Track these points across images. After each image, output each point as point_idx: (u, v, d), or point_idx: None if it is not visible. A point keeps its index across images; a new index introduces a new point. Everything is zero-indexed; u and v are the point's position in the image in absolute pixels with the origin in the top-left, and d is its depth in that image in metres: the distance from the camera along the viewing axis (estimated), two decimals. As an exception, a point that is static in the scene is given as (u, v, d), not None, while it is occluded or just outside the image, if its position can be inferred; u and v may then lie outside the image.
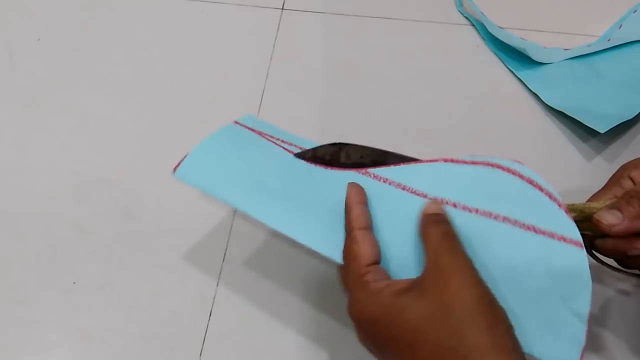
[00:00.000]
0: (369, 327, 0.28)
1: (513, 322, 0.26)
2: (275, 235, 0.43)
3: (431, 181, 0.33)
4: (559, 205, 0.30)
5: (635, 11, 0.54)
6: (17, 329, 0.40)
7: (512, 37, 0.52)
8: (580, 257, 0.29)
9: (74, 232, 0.44)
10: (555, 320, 0.28)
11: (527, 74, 0.51)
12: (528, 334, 0.28)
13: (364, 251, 0.30)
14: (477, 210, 0.31)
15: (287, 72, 0.52)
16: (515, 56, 0.52)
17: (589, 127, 0.45)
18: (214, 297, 0.41)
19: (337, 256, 0.31)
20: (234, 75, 0.52)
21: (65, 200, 0.45)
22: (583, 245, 0.29)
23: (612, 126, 0.44)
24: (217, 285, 0.41)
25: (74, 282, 0.42)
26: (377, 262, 0.30)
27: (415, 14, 0.56)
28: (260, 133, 0.40)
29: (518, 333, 0.26)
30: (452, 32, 0.55)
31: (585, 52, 0.51)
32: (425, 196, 0.32)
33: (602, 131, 0.44)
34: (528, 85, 0.50)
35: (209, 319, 0.40)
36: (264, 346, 0.39)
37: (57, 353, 0.39)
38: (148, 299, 0.41)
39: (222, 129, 0.38)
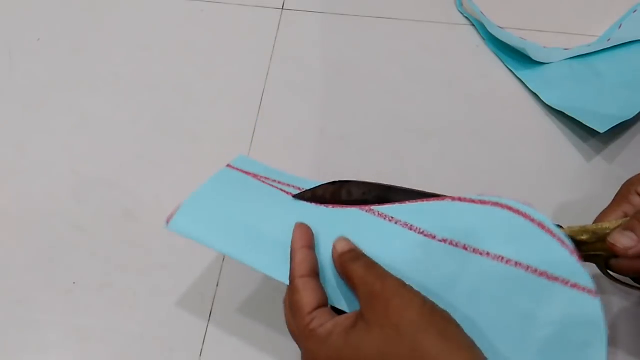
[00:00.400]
0: None
1: None
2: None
3: (439, 221, 0.32)
4: (571, 252, 0.29)
5: (635, 11, 0.54)
6: (17, 329, 0.40)
7: (512, 37, 0.52)
8: (594, 305, 0.28)
9: (73, 232, 0.44)
10: None
11: (526, 74, 0.51)
12: None
13: (305, 300, 0.29)
14: (488, 254, 0.30)
15: (287, 72, 0.52)
16: (515, 56, 0.52)
17: (589, 127, 0.45)
18: (214, 297, 0.41)
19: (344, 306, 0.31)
20: (234, 75, 0.52)
21: (65, 201, 0.45)
22: (596, 292, 0.28)
23: (612, 126, 0.44)
24: (217, 285, 0.41)
25: (74, 282, 0.42)
26: (320, 306, 0.29)
27: (415, 14, 0.56)
28: (255, 176, 0.39)
29: None
30: (452, 32, 0.55)
31: (585, 52, 0.51)
32: (434, 237, 0.31)
33: (601, 131, 0.44)
34: (528, 85, 0.50)
35: (209, 319, 0.40)
36: (264, 346, 0.39)
37: (57, 353, 0.39)
38: (148, 299, 0.41)
39: (215, 175, 0.37)
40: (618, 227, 0.32)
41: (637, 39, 0.51)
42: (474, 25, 0.55)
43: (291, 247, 0.31)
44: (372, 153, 0.47)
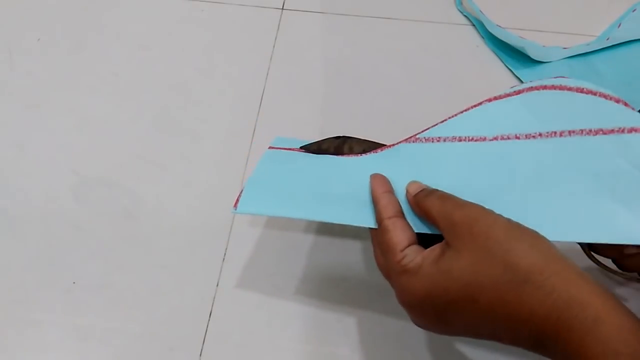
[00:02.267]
0: (425, 305, 0.28)
1: (618, 226, 0.27)
2: (275, 235, 0.43)
3: (484, 123, 0.32)
4: (617, 101, 0.29)
5: (634, 10, 0.54)
6: (17, 329, 0.40)
7: (511, 36, 0.52)
8: None
9: (74, 232, 0.44)
10: None
11: (525, 73, 0.51)
12: (636, 227, 0.28)
13: (396, 239, 0.30)
14: (540, 135, 0.30)
15: (287, 72, 0.52)
16: (514, 55, 0.52)
17: None
18: (214, 297, 0.41)
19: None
20: (234, 75, 0.52)
21: (65, 200, 0.45)
22: None
23: None
24: (217, 285, 0.41)
25: (73, 282, 0.42)
26: (411, 244, 0.30)
27: (415, 14, 0.56)
28: (294, 149, 0.40)
29: (626, 231, 0.27)
30: (452, 32, 0.55)
31: (584, 51, 0.51)
32: (484, 139, 0.32)
33: None
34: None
35: (209, 319, 0.40)
36: (264, 346, 0.39)
37: (57, 353, 0.39)
38: (148, 299, 0.41)
39: (262, 158, 0.38)
40: None
41: (636, 38, 0.51)
42: (473, 25, 0.55)
43: (373, 195, 0.33)
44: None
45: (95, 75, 0.53)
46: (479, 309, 0.26)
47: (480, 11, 0.54)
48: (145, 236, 0.43)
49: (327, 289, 0.41)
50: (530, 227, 0.28)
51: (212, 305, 0.41)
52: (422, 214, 0.31)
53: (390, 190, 0.33)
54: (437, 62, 0.52)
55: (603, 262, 0.35)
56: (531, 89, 0.31)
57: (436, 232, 0.30)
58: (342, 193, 0.34)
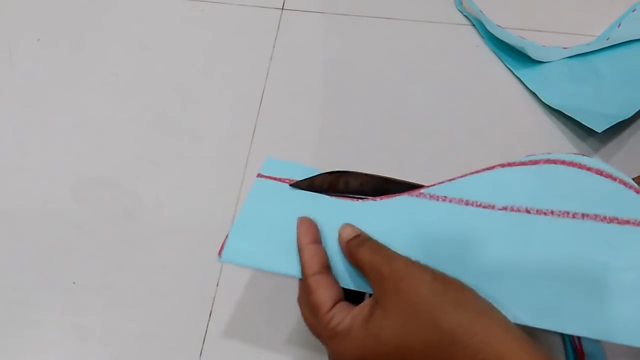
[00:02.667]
0: None
1: (623, 325, 0.26)
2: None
3: (494, 190, 0.31)
4: (637, 192, 0.28)
5: (634, 10, 0.54)
6: (17, 329, 0.40)
7: (511, 36, 0.52)
8: None
9: (73, 232, 0.44)
10: None
11: (525, 73, 0.51)
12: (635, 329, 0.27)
13: (322, 299, 0.29)
14: (552, 212, 0.29)
15: (287, 72, 0.52)
16: (514, 55, 0.52)
17: (587, 127, 0.45)
18: (214, 297, 0.41)
19: None
20: (233, 75, 0.52)
21: (65, 200, 0.45)
22: None
23: (609, 125, 0.44)
24: (217, 285, 0.41)
25: (73, 282, 0.42)
26: (336, 302, 0.29)
27: (415, 14, 0.56)
28: (285, 180, 0.37)
29: (634, 331, 0.26)
30: (452, 32, 0.55)
31: (584, 51, 0.51)
32: (493, 207, 0.30)
33: (599, 130, 0.44)
34: (526, 84, 0.50)
35: (209, 319, 0.40)
36: (264, 346, 0.39)
37: (57, 353, 0.39)
38: (148, 299, 0.41)
39: (251, 191, 0.36)
40: None
41: (636, 38, 0.51)
42: (473, 25, 0.55)
43: (298, 244, 0.31)
44: (371, 153, 0.47)
45: (95, 75, 0.53)
46: None
47: (480, 11, 0.54)
48: (145, 236, 0.43)
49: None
50: (529, 309, 0.27)
51: (212, 305, 0.41)
52: (354, 262, 0.30)
53: (317, 241, 0.31)
54: (437, 62, 0.52)
55: None
56: (549, 161, 0.30)
57: (366, 286, 0.29)
58: (331, 244, 0.32)
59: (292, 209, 0.33)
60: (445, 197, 0.32)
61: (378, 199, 0.33)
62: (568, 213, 0.29)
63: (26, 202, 0.45)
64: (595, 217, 0.29)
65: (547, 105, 0.49)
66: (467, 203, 0.31)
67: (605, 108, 0.47)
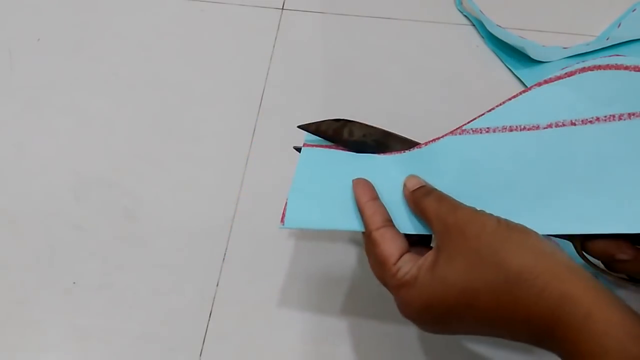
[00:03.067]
0: (426, 314, 0.28)
1: None
2: (275, 234, 0.43)
3: (536, 110, 0.30)
4: None
5: (634, 10, 0.54)
6: (17, 329, 0.40)
7: (511, 36, 0.52)
8: None
9: (73, 232, 0.44)
10: None
11: (525, 73, 0.51)
12: None
13: (387, 252, 0.30)
14: (597, 119, 0.29)
15: (287, 72, 0.52)
16: (514, 55, 0.52)
17: None
18: (214, 297, 0.41)
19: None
20: (233, 75, 0.52)
21: (65, 200, 0.45)
22: None
23: None
24: (217, 285, 0.41)
25: (73, 282, 0.42)
26: (402, 253, 0.30)
27: (415, 14, 0.56)
28: (331, 147, 0.38)
29: None
30: (452, 32, 0.55)
31: (584, 51, 0.51)
32: (538, 127, 0.30)
33: None
34: (526, 84, 0.50)
35: (209, 319, 0.40)
36: (264, 346, 0.39)
37: (57, 353, 0.39)
38: (148, 299, 0.41)
39: (301, 158, 0.36)
40: None
41: (636, 38, 0.51)
42: (473, 25, 0.55)
43: (357, 204, 0.32)
44: (372, 153, 0.47)
45: (95, 75, 0.53)
46: (477, 314, 0.27)
47: (480, 11, 0.54)
48: (145, 236, 0.43)
49: (327, 289, 0.41)
50: (591, 218, 0.27)
51: (212, 305, 0.41)
52: (418, 212, 0.31)
53: (375, 197, 0.32)
54: (437, 62, 0.52)
55: (593, 262, 0.35)
56: (584, 69, 0.30)
57: (429, 232, 0.30)
58: (390, 198, 0.33)
59: (344, 171, 0.34)
60: (488, 128, 0.32)
61: (423, 145, 0.34)
62: (614, 116, 0.28)
63: (26, 202, 0.45)
64: None
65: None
66: (511, 129, 0.31)
67: None
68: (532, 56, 0.50)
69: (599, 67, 0.29)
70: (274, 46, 0.54)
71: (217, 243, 0.43)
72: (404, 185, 0.32)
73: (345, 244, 0.43)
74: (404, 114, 0.49)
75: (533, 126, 0.30)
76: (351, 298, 0.40)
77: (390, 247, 0.30)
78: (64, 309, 0.41)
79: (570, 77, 0.30)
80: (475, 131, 0.32)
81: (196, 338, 0.39)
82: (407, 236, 0.31)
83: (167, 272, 0.42)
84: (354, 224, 0.32)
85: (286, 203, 0.34)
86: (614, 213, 0.28)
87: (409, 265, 0.29)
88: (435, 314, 0.28)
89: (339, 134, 0.36)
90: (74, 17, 0.57)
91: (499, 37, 0.52)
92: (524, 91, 0.31)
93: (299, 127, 0.37)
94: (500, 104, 0.32)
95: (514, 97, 0.32)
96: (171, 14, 0.57)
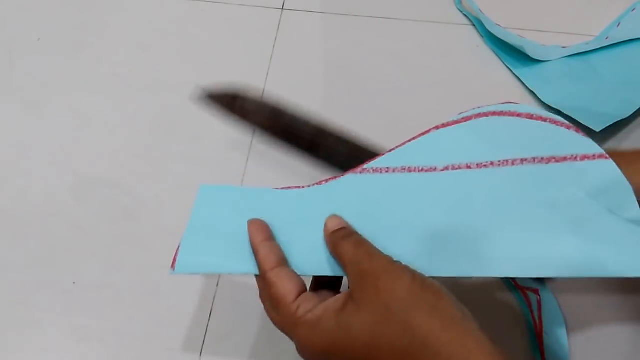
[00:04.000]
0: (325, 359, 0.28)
1: (576, 260, 0.27)
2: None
3: (434, 152, 0.31)
4: (568, 128, 0.29)
5: (633, 9, 0.54)
6: (17, 329, 0.40)
7: (510, 35, 0.52)
8: (610, 167, 0.28)
9: (73, 232, 0.44)
10: (613, 236, 0.28)
11: (524, 72, 0.51)
12: (593, 260, 0.27)
13: (284, 290, 0.28)
14: (492, 163, 0.30)
15: (287, 72, 0.52)
16: (513, 54, 0.52)
17: (585, 125, 0.45)
18: (214, 297, 0.41)
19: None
20: (234, 75, 0.52)
21: (65, 200, 0.45)
22: (608, 155, 0.28)
23: (607, 125, 0.44)
24: (217, 285, 0.41)
25: (73, 282, 0.42)
26: (300, 292, 0.29)
27: (415, 14, 0.56)
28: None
29: (584, 264, 0.27)
30: (452, 32, 0.55)
31: (583, 50, 0.51)
32: (435, 169, 0.31)
33: (597, 130, 0.44)
34: (525, 83, 0.50)
35: (209, 319, 0.40)
36: (264, 346, 0.39)
37: (56, 353, 0.39)
38: (148, 299, 0.41)
39: (197, 198, 0.35)
40: None
41: (635, 37, 0.51)
42: (473, 25, 0.55)
43: (252, 244, 0.31)
44: (372, 153, 0.47)
45: (95, 75, 0.53)
46: None
47: (480, 10, 0.54)
48: (145, 236, 0.43)
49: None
50: (484, 261, 0.27)
51: (212, 305, 0.41)
52: (335, 254, 0.30)
53: (270, 238, 0.31)
54: (437, 62, 0.52)
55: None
56: (479, 115, 0.31)
57: (339, 274, 0.30)
58: (284, 235, 0.32)
59: (242, 209, 0.33)
60: (388, 168, 0.32)
61: (324, 182, 0.34)
62: (507, 161, 0.30)
63: (26, 202, 0.45)
64: (534, 160, 0.29)
65: (546, 105, 0.49)
66: (409, 170, 0.32)
67: (603, 107, 0.47)
68: (531, 55, 0.51)
69: (493, 114, 0.31)
70: (274, 46, 0.54)
71: (217, 243, 0.43)
72: (325, 225, 0.31)
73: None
74: (404, 114, 0.49)
75: (430, 168, 0.31)
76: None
77: (287, 285, 0.28)
78: (64, 309, 0.41)
79: (467, 122, 0.31)
80: (375, 170, 0.32)
81: (196, 338, 0.39)
82: (317, 278, 0.31)
83: (167, 272, 0.42)
84: (249, 267, 0.31)
85: (178, 247, 0.32)
86: (507, 257, 0.28)
87: (310, 304, 0.28)
88: None
89: (232, 107, 0.36)
90: (74, 17, 0.57)
91: (499, 36, 0.52)
92: (423, 133, 0.32)
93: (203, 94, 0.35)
94: (401, 145, 0.33)
95: (414, 138, 0.33)
96: (171, 14, 0.57)
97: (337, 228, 0.30)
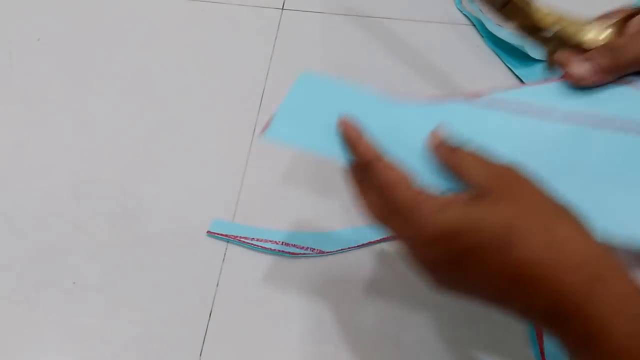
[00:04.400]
0: (443, 242, 0.25)
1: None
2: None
3: (557, 97, 0.32)
4: None
5: None
6: (17, 329, 0.40)
7: (511, 35, 0.52)
8: None
9: (74, 232, 0.44)
10: None
11: (525, 72, 0.51)
12: None
13: (402, 174, 0.27)
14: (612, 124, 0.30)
15: (287, 72, 0.52)
16: (514, 54, 0.52)
17: None
18: (214, 297, 0.41)
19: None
20: (234, 75, 0.52)
21: (65, 200, 0.45)
22: None
23: None
24: (217, 285, 0.41)
25: (73, 282, 0.42)
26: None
27: (415, 14, 0.56)
28: (235, 237, 0.41)
29: None
30: (452, 32, 0.55)
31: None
32: (555, 115, 0.31)
33: None
34: (525, 83, 0.50)
35: (209, 319, 0.40)
36: (264, 346, 0.39)
37: (57, 353, 0.39)
38: (148, 299, 0.41)
39: (297, 81, 0.35)
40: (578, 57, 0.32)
41: None
42: (473, 25, 0.55)
43: (349, 136, 0.29)
44: (372, 153, 0.47)
45: (95, 75, 0.53)
46: (507, 260, 0.24)
47: (480, 10, 0.54)
48: (145, 236, 0.43)
49: (327, 289, 0.41)
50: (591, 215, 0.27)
51: (212, 305, 0.41)
52: (448, 162, 0.28)
53: (364, 132, 0.30)
54: (437, 62, 0.52)
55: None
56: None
57: (452, 185, 0.28)
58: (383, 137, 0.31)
59: (337, 105, 0.32)
60: (509, 103, 0.32)
61: (434, 100, 0.32)
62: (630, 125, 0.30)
63: (26, 202, 0.45)
64: None
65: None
66: (524, 111, 0.31)
67: None
68: (531, 55, 0.51)
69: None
70: (274, 46, 0.54)
71: (217, 243, 0.43)
72: (432, 134, 0.29)
73: (345, 244, 0.43)
74: (404, 114, 0.49)
75: (548, 112, 0.31)
76: (350, 298, 0.40)
77: (402, 171, 0.27)
78: (63, 309, 0.41)
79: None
80: (491, 103, 0.32)
81: (196, 338, 0.39)
82: None
83: (167, 272, 0.42)
84: (340, 153, 0.30)
85: (272, 116, 0.32)
86: (610, 216, 0.28)
87: (430, 193, 0.26)
88: (457, 244, 0.25)
89: None
90: (74, 17, 0.57)
91: (499, 36, 0.52)
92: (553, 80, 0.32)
93: None
94: (531, 84, 0.33)
95: (549, 81, 0.32)
96: (171, 14, 0.57)
97: (446, 138, 0.29)
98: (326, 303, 0.40)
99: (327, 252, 0.42)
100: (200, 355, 0.39)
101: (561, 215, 0.25)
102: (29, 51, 0.55)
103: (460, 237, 0.25)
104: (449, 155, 0.28)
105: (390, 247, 0.42)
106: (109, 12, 0.57)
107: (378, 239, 0.41)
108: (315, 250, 0.41)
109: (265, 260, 0.42)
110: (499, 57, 0.52)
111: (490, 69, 0.52)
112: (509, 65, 0.52)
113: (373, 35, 0.54)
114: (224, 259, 0.42)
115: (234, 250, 0.43)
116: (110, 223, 0.44)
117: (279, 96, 0.50)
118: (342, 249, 0.42)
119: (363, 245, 0.42)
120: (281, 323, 0.40)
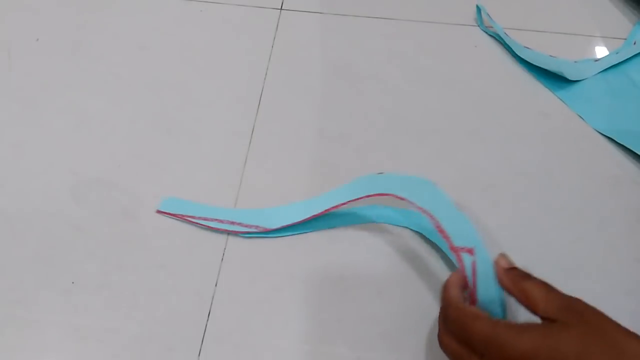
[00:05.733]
0: None
1: None
2: (275, 235, 0.43)
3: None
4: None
5: None
6: (16, 329, 0.40)
7: (541, 56, 0.50)
8: None
9: (72, 232, 0.44)
10: None
11: (566, 95, 0.48)
12: None
13: (475, 309, 0.32)
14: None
15: (286, 72, 0.52)
16: (548, 74, 0.50)
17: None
18: (213, 297, 0.41)
19: None
20: (232, 75, 0.52)
21: (64, 200, 0.45)
22: None
23: None
24: (216, 285, 0.41)
25: (72, 282, 0.42)
26: None
27: (415, 14, 0.56)
28: (182, 217, 0.44)
29: None
30: (452, 32, 0.55)
31: (616, 62, 0.49)
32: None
33: None
34: (571, 107, 0.48)
35: (208, 319, 0.40)
36: (263, 346, 0.39)
37: (56, 353, 0.39)
38: (147, 299, 0.41)
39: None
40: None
41: None
42: (473, 25, 0.55)
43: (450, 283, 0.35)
44: (371, 153, 0.47)
45: (95, 75, 0.53)
46: None
47: (505, 33, 0.52)
48: (144, 236, 0.43)
49: (327, 289, 0.41)
50: None
51: (211, 305, 0.41)
52: (516, 290, 0.32)
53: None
54: (437, 63, 0.52)
55: None
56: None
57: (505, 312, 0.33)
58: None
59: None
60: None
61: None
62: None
63: (25, 202, 0.45)
64: None
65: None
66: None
67: None
68: (567, 77, 0.49)
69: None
70: (272, 46, 0.54)
71: (215, 243, 0.43)
72: (497, 262, 0.34)
73: (345, 244, 0.43)
74: (403, 114, 0.49)
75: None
76: (350, 297, 0.40)
77: (477, 309, 0.32)
78: (63, 309, 0.41)
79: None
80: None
81: (195, 338, 0.39)
82: None
83: (166, 272, 0.42)
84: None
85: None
86: None
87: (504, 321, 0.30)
88: None
89: None
90: (73, 17, 0.57)
91: (529, 60, 0.50)
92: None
93: None
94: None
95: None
96: (170, 14, 0.57)
97: (511, 267, 0.33)
98: (325, 303, 0.40)
99: (272, 230, 0.42)
100: (199, 355, 0.39)
101: (632, 337, 0.28)
102: (28, 51, 0.55)
103: (537, 359, 0.28)
104: (516, 283, 0.32)
105: (390, 246, 0.42)
106: (108, 13, 0.57)
107: (325, 209, 0.41)
108: (260, 228, 0.42)
109: (265, 260, 0.42)
110: (537, 79, 0.50)
111: (490, 69, 0.52)
112: (550, 88, 0.49)
113: (373, 36, 0.54)
114: (222, 259, 0.42)
115: (233, 250, 0.43)
116: (109, 223, 0.44)
117: (278, 96, 0.51)
118: (287, 225, 0.42)
119: (309, 219, 0.42)
120: (280, 323, 0.40)
